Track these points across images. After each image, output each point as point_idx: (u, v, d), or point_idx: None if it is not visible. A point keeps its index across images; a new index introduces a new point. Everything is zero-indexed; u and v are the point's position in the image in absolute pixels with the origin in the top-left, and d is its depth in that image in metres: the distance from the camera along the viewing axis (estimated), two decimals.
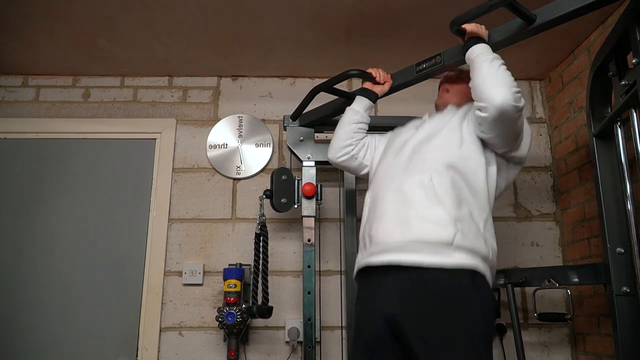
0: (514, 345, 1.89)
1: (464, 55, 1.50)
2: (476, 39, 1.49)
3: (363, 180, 1.82)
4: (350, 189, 2.24)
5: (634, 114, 1.48)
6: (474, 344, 1.28)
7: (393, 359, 1.37)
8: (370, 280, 1.46)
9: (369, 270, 1.46)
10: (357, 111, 1.75)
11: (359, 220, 2.19)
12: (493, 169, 1.49)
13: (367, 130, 1.79)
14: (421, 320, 1.31)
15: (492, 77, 1.38)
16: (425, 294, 1.32)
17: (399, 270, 1.36)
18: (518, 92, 1.37)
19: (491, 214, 1.46)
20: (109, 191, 2.35)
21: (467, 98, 1.58)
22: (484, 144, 1.48)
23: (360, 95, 1.78)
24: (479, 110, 1.40)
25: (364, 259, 1.48)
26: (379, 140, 1.79)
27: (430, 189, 1.39)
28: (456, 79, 1.70)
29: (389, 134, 1.77)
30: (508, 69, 1.42)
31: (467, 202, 1.40)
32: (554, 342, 2.24)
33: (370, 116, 1.79)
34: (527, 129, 1.53)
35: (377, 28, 2.10)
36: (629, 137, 1.55)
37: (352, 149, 1.75)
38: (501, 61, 1.42)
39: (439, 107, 1.72)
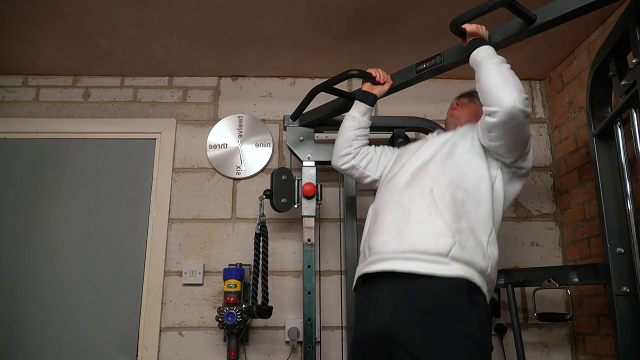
0: (514, 345, 1.88)
1: (467, 57, 1.50)
2: (479, 41, 1.48)
3: None
4: (350, 189, 2.24)
5: (634, 114, 1.48)
6: (471, 356, 1.26)
7: None
8: (367, 290, 1.47)
9: (367, 280, 1.47)
10: (355, 117, 1.76)
11: (359, 220, 2.20)
12: (499, 183, 1.48)
13: (370, 130, 1.81)
14: (413, 331, 1.30)
15: (500, 81, 1.37)
16: (418, 303, 1.31)
17: (394, 279, 1.36)
18: (526, 97, 1.37)
19: (496, 229, 1.45)
20: (109, 191, 2.35)
21: (477, 119, 1.57)
22: (491, 157, 1.49)
23: (358, 99, 1.78)
24: (489, 115, 1.39)
25: (363, 268, 1.49)
26: (385, 154, 1.79)
27: (429, 201, 1.40)
28: (469, 100, 1.73)
29: (399, 149, 1.78)
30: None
31: (468, 216, 1.39)
32: (554, 342, 2.24)
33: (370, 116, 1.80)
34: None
35: (377, 28, 2.10)
36: (629, 137, 1.55)
37: (352, 158, 1.76)
38: (508, 64, 1.42)
39: (448, 126, 1.75)
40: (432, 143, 1.60)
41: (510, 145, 1.44)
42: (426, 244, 1.34)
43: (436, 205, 1.38)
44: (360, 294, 1.52)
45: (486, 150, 1.50)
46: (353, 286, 1.57)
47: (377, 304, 1.40)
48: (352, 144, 1.76)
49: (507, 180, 1.51)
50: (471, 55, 1.48)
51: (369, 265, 1.45)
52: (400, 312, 1.33)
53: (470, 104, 1.72)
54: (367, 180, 1.79)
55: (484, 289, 1.37)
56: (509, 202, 1.55)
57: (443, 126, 2.27)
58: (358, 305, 1.53)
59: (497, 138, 1.42)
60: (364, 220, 2.20)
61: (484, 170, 1.46)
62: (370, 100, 1.77)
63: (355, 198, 2.23)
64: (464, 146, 1.51)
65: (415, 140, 2.44)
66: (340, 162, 1.79)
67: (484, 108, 1.42)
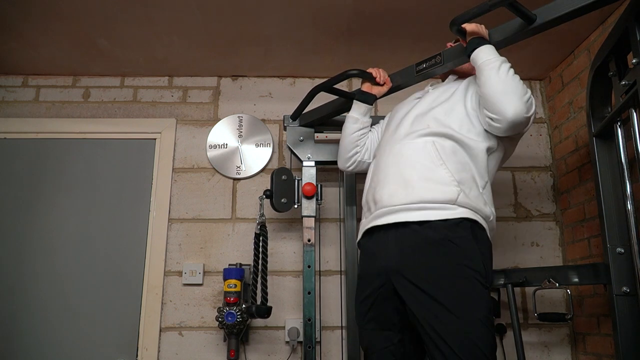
0: (514, 345, 1.88)
1: (468, 56, 1.49)
2: (480, 40, 1.48)
3: (363, 180, 1.82)
4: (350, 189, 2.24)
5: (634, 113, 1.48)
6: (474, 283, 1.31)
7: (392, 311, 1.42)
8: (373, 238, 1.50)
9: (372, 231, 1.50)
10: (357, 119, 1.78)
11: (359, 220, 2.20)
12: (493, 142, 1.50)
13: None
14: (418, 263, 1.35)
15: (502, 88, 1.38)
16: (425, 239, 1.36)
17: (403, 226, 1.40)
18: (529, 100, 1.38)
19: (490, 183, 1.50)
20: (109, 191, 2.35)
21: (470, 69, 1.61)
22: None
23: (358, 100, 1.78)
24: (491, 120, 1.42)
25: (369, 222, 1.51)
26: (379, 127, 1.83)
27: (433, 152, 1.43)
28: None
29: (389, 114, 1.81)
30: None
31: (468, 166, 1.43)
32: (554, 342, 2.24)
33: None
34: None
35: (377, 28, 2.10)
36: (629, 137, 1.55)
37: (359, 157, 1.80)
38: (508, 65, 1.42)
39: (442, 77, 1.77)
40: (430, 95, 1.61)
41: (510, 136, 1.49)
42: (434, 193, 1.38)
43: (440, 156, 1.41)
44: (366, 241, 1.54)
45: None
46: (357, 240, 1.60)
47: (386, 247, 1.44)
48: (357, 143, 1.78)
49: (502, 141, 1.52)
50: (472, 56, 1.48)
51: (377, 218, 1.47)
52: (408, 250, 1.38)
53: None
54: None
55: (487, 229, 1.43)
56: (507, 157, 1.59)
57: None
58: (364, 250, 1.56)
59: (500, 132, 1.46)
60: None
61: (480, 129, 1.48)
62: (370, 100, 1.77)
63: (356, 198, 2.23)
64: (462, 102, 1.52)
65: None
66: (348, 163, 1.82)
67: (485, 112, 1.44)
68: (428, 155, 1.43)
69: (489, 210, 1.44)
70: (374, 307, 1.46)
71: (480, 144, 1.46)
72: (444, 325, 1.27)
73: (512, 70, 1.41)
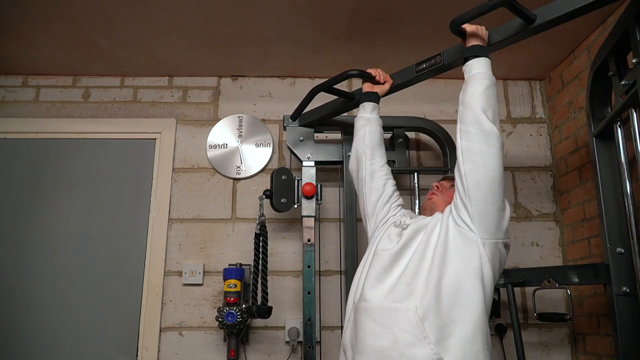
0: (514, 345, 1.88)
1: (465, 59, 1.47)
2: (478, 48, 1.46)
3: None
4: (350, 189, 2.24)
5: (634, 114, 1.48)
6: None
7: None
8: None
9: None
10: (363, 117, 1.73)
11: (358, 220, 2.20)
12: (487, 268, 1.34)
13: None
14: None
15: (485, 104, 1.35)
16: None
17: None
18: (498, 127, 1.35)
19: (488, 314, 1.33)
20: (109, 191, 2.35)
21: (438, 205, 1.52)
22: (469, 231, 1.34)
23: (363, 101, 1.76)
24: (463, 139, 1.35)
25: None
26: (388, 202, 1.64)
27: (414, 322, 1.28)
28: (451, 185, 1.57)
29: (392, 219, 1.61)
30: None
31: (456, 327, 1.27)
32: (554, 342, 2.24)
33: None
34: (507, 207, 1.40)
35: (377, 28, 2.10)
36: (629, 137, 1.55)
37: (367, 160, 1.66)
38: (495, 88, 1.40)
39: (424, 210, 1.59)
40: (406, 239, 1.45)
41: (486, 180, 1.33)
42: None
43: (422, 326, 1.27)
44: None
45: (462, 225, 1.36)
46: None
47: None
48: (365, 142, 1.68)
49: (491, 256, 1.35)
50: (467, 63, 1.45)
51: None
52: None
53: (451, 189, 1.55)
54: (359, 192, 1.69)
55: None
56: (496, 277, 1.39)
57: (443, 126, 2.28)
58: None
59: (473, 170, 1.33)
60: None
61: (460, 258, 1.33)
62: (373, 97, 1.76)
63: (356, 198, 2.23)
64: (434, 238, 1.38)
65: (415, 140, 2.45)
66: (354, 164, 1.70)
67: (461, 127, 1.37)
68: (410, 326, 1.27)
69: None
70: None
71: (466, 279, 1.31)
72: None
73: (495, 93, 1.40)
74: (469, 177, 1.34)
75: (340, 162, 2.21)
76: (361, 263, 1.56)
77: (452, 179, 1.57)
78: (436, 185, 1.61)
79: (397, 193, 1.67)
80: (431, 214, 1.52)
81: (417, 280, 1.33)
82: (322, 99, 1.98)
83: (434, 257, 1.34)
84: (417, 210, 2.16)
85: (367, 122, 1.72)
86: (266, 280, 2.05)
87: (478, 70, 1.42)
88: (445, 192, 1.57)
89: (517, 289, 2.18)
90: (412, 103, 2.48)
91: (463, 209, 1.35)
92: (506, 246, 1.40)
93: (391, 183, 1.67)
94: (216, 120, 2.45)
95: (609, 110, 1.75)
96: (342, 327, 2.19)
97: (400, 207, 1.65)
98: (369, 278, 1.44)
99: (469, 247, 1.33)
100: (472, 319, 1.28)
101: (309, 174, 2.15)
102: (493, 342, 1.81)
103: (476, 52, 1.45)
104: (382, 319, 1.34)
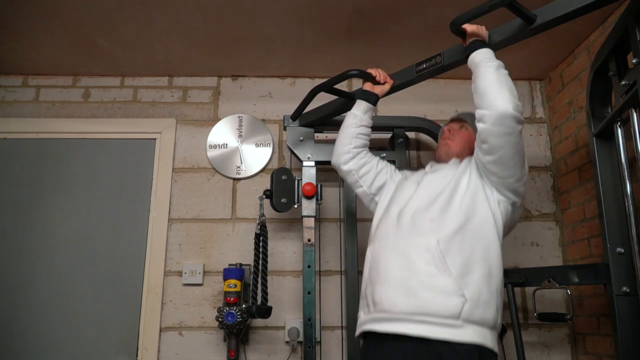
0: (514, 345, 1.88)
1: (467, 57, 1.50)
2: (479, 42, 1.48)
3: None
4: (350, 189, 2.24)
5: (634, 113, 1.48)
6: None
7: None
8: (374, 347, 1.41)
9: (373, 336, 1.42)
10: (356, 115, 1.74)
11: (359, 220, 2.20)
12: (499, 217, 1.44)
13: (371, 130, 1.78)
14: None
15: (497, 84, 1.38)
16: None
17: (405, 341, 1.31)
18: (520, 104, 1.37)
19: (502, 268, 1.42)
20: (109, 191, 2.35)
21: (470, 148, 1.58)
22: (489, 189, 1.46)
23: (360, 98, 1.77)
24: (480, 121, 1.39)
25: (368, 323, 1.42)
26: (384, 172, 1.73)
27: (436, 255, 1.34)
28: (461, 126, 1.69)
29: (398, 176, 1.72)
30: (508, 69, 1.43)
31: (477, 265, 1.35)
32: (554, 342, 2.24)
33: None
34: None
35: (377, 28, 2.10)
36: (629, 137, 1.55)
37: (350, 159, 1.72)
38: (506, 70, 1.43)
39: (440, 157, 1.66)
40: (430, 181, 1.54)
41: (505, 158, 1.40)
42: (437, 306, 1.29)
43: (444, 260, 1.33)
44: (368, 348, 1.44)
45: (484, 182, 1.47)
46: (356, 334, 1.50)
47: None
48: (352, 141, 1.72)
49: (505, 214, 1.47)
50: (470, 56, 1.48)
51: (376, 322, 1.39)
52: None
53: (462, 129, 1.67)
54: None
55: (496, 347, 1.34)
56: (506, 234, 1.51)
57: (442, 125, 2.27)
58: (363, 358, 1.47)
59: (491, 150, 1.40)
60: (364, 220, 2.21)
61: (485, 208, 1.43)
62: (372, 99, 1.76)
63: (356, 198, 2.23)
64: (463, 186, 1.47)
65: (415, 140, 2.45)
66: (340, 160, 1.75)
67: (477, 112, 1.41)
68: (432, 258, 1.34)
69: (497, 315, 1.35)
70: None
71: (487, 225, 1.41)
72: None
73: (508, 75, 1.42)
74: (487, 155, 1.42)
75: None
76: (378, 211, 1.64)
77: (460, 119, 1.71)
78: (448, 129, 1.69)
79: (389, 165, 1.78)
80: (447, 158, 1.63)
81: (443, 219, 1.41)
82: (322, 99, 1.98)
83: (462, 203, 1.43)
84: None
85: (359, 121, 1.74)
86: (266, 280, 2.05)
87: (482, 57, 1.44)
88: (458, 134, 1.66)
89: (517, 289, 2.18)
90: (412, 103, 2.48)
91: (486, 176, 1.46)
92: (520, 206, 1.54)
93: (376, 161, 1.75)
94: (216, 120, 2.45)
95: (609, 110, 1.75)
96: (342, 327, 2.19)
97: (395, 170, 1.77)
98: (390, 215, 1.53)
99: (491, 201, 1.45)
100: (491, 259, 1.38)
101: (309, 174, 2.15)
102: None
103: (476, 46, 1.48)
104: (403, 251, 1.40)
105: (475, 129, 1.45)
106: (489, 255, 1.39)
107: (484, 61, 1.43)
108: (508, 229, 1.53)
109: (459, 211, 1.42)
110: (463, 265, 1.34)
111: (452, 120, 1.73)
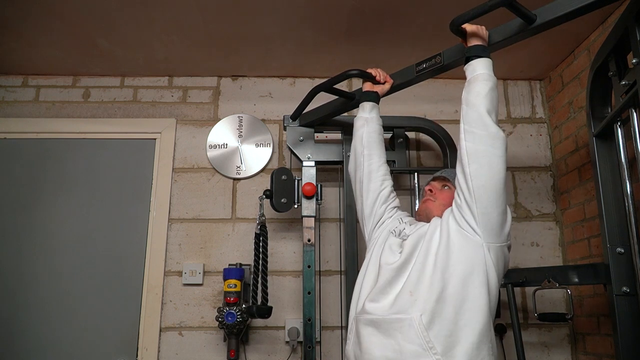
0: (514, 345, 1.88)
1: (467, 59, 1.47)
2: (480, 48, 1.46)
3: None
4: (350, 188, 2.24)
5: (634, 114, 1.48)
6: None
7: None
8: None
9: None
10: (361, 117, 1.73)
11: (358, 221, 2.20)
12: (493, 272, 1.33)
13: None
14: None
15: (491, 106, 1.36)
16: None
17: None
18: (499, 128, 1.36)
19: (492, 321, 1.33)
20: (109, 191, 2.35)
21: (436, 210, 1.50)
22: (470, 239, 1.33)
23: (362, 100, 1.76)
24: (468, 139, 1.34)
25: None
26: (387, 202, 1.63)
27: (420, 332, 1.25)
28: (443, 185, 1.57)
29: (389, 222, 1.59)
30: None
31: (463, 333, 1.26)
32: (554, 342, 2.24)
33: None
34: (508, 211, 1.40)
35: (377, 27, 2.10)
36: (629, 137, 1.55)
37: (363, 161, 1.65)
38: (497, 90, 1.42)
39: (420, 216, 1.56)
40: (406, 246, 1.42)
41: (492, 182, 1.32)
42: None
43: (428, 336, 1.25)
44: None
45: (463, 234, 1.34)
46: None
47: None
48: (362, 142, 1.68)
49: (496, 260, 1.33)
50: (471, 62, 1.45)
51: None
52: None
53: (444, 189, 1.55)
54: (356, 194, 1.68)
55: None
56: (500, 281, 1.38)
57: (443, 126, 2.28)
58: None
59: (478, 172, 1.31)
60: None
61: (464, 257, 1.31)
62: (373, 97, 1.76)
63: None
64: (435, 242, 1.36)
65: (415, 140, 2.45)
66: (353, 165, 1.70)
67: (463, 127, 1.36)
68: (415, 336, 1.25)
69: None
70: None
71: (465, 267, 1.30)
72: None
73: (497, 95, 1.42)
74: (474, 179, 1.33)
75: (341, 162, 2.21)
76: (361, 272, 1.52)
77: (442, 178, 1.58)
78: (429, 189, 1.56)
79: (394, 194, 1.67)
80: (427, 219, 1.49)
81: (420, 288, 1.30)
82: (322, 99, 1.98)
83: (436, 264, 1.32)
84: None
85: (365, 122, 1.71)
86: (266, 280, 2.05)
87: (482, 70, 1.42)
88: (439, 195, 1.54)
89: (517, 289, 2.18)
90: (412, 103, 2.48)
91: (468, 211, 1.33)
92: (509, 249, 1.40)
93: (388, 184, 1.65)
94: (216, 120, 2.45)
95: (609, 110, 1.75)
96: (342, 327, 2.19)
97: (396, 209, 1.65)
98: (373, 291, 1.40)
99: (474, 252, 1.31)
100: (478, 326, 1.27)
101: (309, 174, 2.15)
102: None
103: (478, 52, 1.45)
104: (387, 330, 1.31)
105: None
106: (477, 316, 1.28)
107: (482, 76, 1.40)
108: (500, 278, 1.39)
109: (434, 275, 1.30)
110: (448, 336, 1.25)
111: (435, 179, 1.60)
